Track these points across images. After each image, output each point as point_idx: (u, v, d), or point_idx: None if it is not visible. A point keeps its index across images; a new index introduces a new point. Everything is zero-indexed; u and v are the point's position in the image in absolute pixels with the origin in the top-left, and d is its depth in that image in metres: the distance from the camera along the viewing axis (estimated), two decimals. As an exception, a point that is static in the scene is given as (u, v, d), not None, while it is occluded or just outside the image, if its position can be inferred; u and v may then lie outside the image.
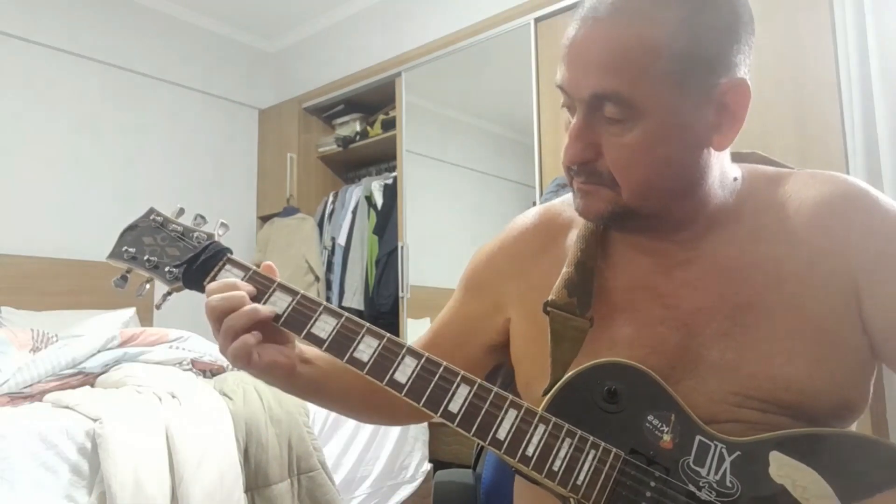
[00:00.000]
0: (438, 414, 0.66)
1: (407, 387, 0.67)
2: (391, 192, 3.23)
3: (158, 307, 0.80)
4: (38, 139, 3.01)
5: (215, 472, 1.72)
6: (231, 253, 0.77)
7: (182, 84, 3.58)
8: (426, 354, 0.68)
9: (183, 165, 3.54)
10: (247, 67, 3.93)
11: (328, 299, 3.38)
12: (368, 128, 3.43)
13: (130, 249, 0.79)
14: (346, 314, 0.71)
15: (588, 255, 0.73)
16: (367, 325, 0.70)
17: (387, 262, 3.15)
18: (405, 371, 0.67)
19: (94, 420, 1.65)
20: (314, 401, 0.83)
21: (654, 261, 0.72)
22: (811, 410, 0.64)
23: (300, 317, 0.71)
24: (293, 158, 3.62)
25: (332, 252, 3.42)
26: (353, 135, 3.45)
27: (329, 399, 0.84)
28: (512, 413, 0.65)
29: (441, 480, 1.04)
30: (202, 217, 0.80)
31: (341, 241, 3.37)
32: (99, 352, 2.08)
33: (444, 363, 0.68)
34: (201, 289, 0.75)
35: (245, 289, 0.71)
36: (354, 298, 3.26)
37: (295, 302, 0.72)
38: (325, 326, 0.70)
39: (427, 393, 0.66)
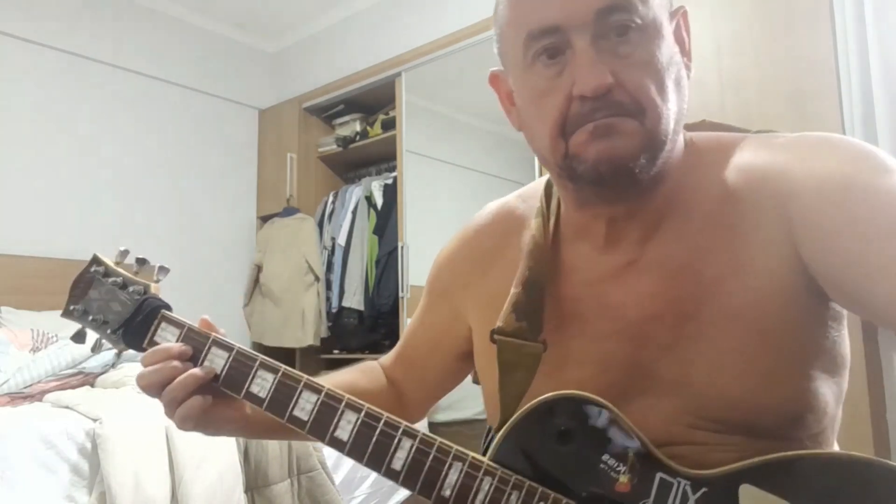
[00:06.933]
0: (382, 472, 0.63)
1: (349, 445, 0.64)
2: (391, 192, 3.23)
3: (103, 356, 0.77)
4: (37, 139, 3.01)
5: (215, 472, 1.72)
6: (167, 308, 0.73)
7: (182, 84, 3.58)
8: (365, 407, 0.65)
9: (183, 165, 3.53)
10: (247, 67, 3.93)
11: (328, 299, 3.39)
12: (368, 128, 3.43)
13: (79, 307, 0.76)
14: (283, 367, 0.68)
15: (537, 273, 0.68)
16: (305, 377, 0.67)
17: (387, 262, 3.15)
18: (346, 428, 0.65)
19: (94, 420, 1.65)
20: (276, 438, 0.79)
21: (604, 262, 0.67)
22: (766, 425, 0.60)
23: (237, 375, 0.69)
24: (293, 158, 3.62)
25: (332, 252, 3.42)
26: (353, 135, 3.46)
27: (290, 435, 0.78)
28: (457, 466, 0.61)
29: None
30: (143, 260, 0.77)
31: (341, 241, 3.37)
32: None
33: (386, 415, 0.64)
34: (143, 351, 0.72)
35: (178, 351, 0.68)
36: (354, 298, 3.26)
37: (231, 358, 0.69)
38: (262, 383, 0.68)
39: (369, 450, 0.64)
